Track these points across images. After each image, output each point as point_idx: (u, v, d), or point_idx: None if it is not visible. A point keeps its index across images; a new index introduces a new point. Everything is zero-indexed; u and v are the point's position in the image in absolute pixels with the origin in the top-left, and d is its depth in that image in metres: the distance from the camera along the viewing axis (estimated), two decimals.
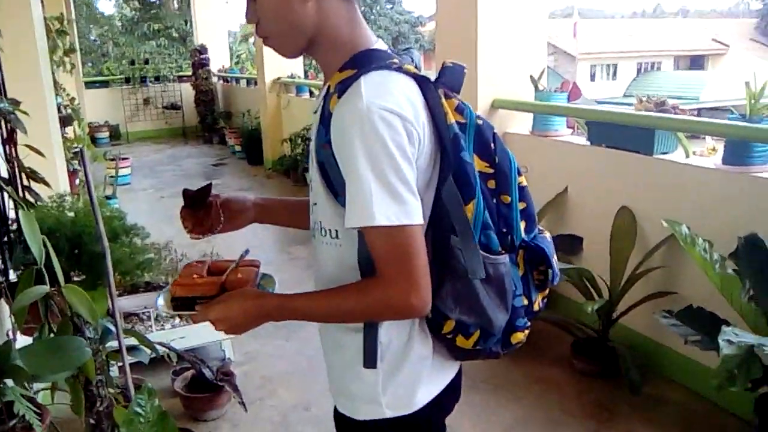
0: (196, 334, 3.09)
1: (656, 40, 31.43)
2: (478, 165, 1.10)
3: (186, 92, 12.33)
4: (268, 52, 8.15)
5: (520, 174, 1.17)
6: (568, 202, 3.52)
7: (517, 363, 3.15)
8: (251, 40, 15.21)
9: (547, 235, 1.23)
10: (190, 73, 12.06)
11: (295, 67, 8.16)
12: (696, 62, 32.45)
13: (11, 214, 1.89)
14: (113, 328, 1.97)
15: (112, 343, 2.04)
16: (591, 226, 3.36)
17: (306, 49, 1.13)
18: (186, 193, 1.32)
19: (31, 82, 2.82)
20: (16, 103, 1.87)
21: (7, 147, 1.96)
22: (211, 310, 1.11)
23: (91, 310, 1.34)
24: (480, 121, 1.13)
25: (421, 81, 1.06)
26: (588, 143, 3.39)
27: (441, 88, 1.10)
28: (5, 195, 1.78)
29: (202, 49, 11.45)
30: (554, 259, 1.19)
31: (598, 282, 3.05)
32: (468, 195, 1.06)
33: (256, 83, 9.10)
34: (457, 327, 1.09)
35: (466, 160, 1.06)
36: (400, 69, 1.05)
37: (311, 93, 7.63)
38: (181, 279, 1.23)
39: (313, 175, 1.12)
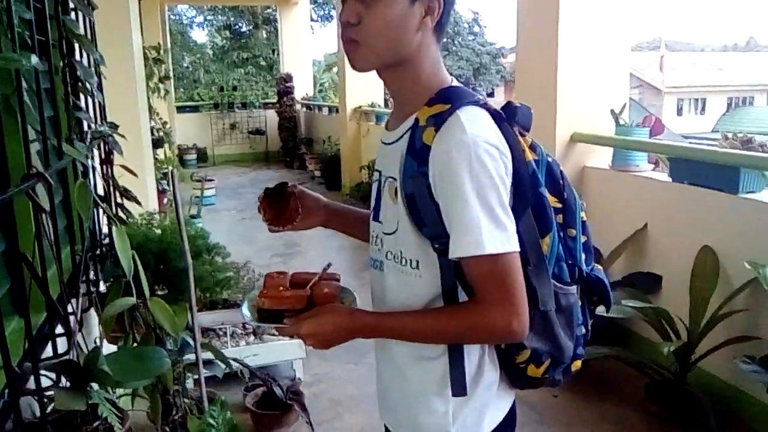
0: (268, 352, 3.17)
1: (748, 74, 30.20)
2: (549, 200, 1.14)
3: (270, 118, 12.76)
4: (351, 82, 8.40)
5: (581, 209, 1.22)
6: (647, 239, 3.42)
7: (590, 401, 3.07)
8: (334, 69, 15.60)
9: (600, 267, 1.27)
10: (275, 100, 12.50)
11: (375, 96, 8.32)
12: None
13: (104, 229, 2.02)
14: (192, 342, 2.06)
15: (190, 356, 2.14)
16: (670, 264, 3.25)
17: (385, 69, 1.14)
18: (266, 190, 1.37)
19: (129, 107, 3.01)
20: (114, 127, 2.01)
21: (104, 167, 2.10)
22: (303, 324, 1.11)
23: (173, 323, 1.42)
24: (550, 159, 1.18)
25: (499, 118, 1.09)
26: (669, 180, 3.31)
27: (515, 126, 1.13)
28: (100, 211, 1.91)
29: (288, 78, 11.85)
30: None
31: (677, 323, 2.95)
32: (545, 228, 1.11)
33: (337, 111, 9.32)
34: (532, 356, 1.13)
35: (545, 195, 1.12)
36: (485, 105, 1.09)
37: None
38: (268, 291, 1.22)
39: (390, 206, 1.15)
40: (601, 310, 1.28)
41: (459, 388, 1.13)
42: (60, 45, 1.67)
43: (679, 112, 29.34)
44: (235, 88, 13.94)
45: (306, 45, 12.94)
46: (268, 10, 20.59)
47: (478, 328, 1.06)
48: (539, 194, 1.11)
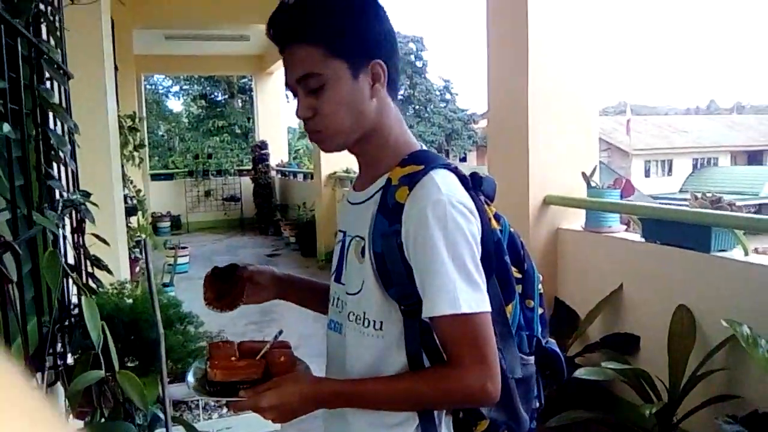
0: (242, 425, 3.06)
1: (712, 136, 31.22)
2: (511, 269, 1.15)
3: (245, 185, 12.78)
4: None
5: (539, 281, 1.23)
6: (623, 300, 3.44)
7: None
8: None
9: (553, 340, 1.26)
10: (250, 167, 12.55)
11: (350, 162, 8.40)
12: (754, 158, 31.99)
13: (74, 299, 1.97)
14: (162, 416, 1.98)
15: (160, 431, 2.06)
16: (647, 324, 3.25)
17: (353, 144, 1.16)
18: (214, 269, 1.33)
19: (102, 175, 2.99)
20: (87, 195, 1.99)
21: (75, 235, 2.07)
22: (263, 397, 1.04)
23: (143, 396, 1.37)
24: (512, 230, 1.20)
25: (467, 184, 1.11)
26: (642, 240, 3.35)
27: (481, 194, 1.15)
28: (70, 281, 1.86)
29: (263, 145, 11.95)
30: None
31: (656, 383, 2.93)
32: (508, 296, 1.12)
33: (312, 177, 9.38)
34: (490, 427, 1.10)
35: (508, 263, 1.13)
36: (455, 170, 1.11)
37: None
38: (219, 361, 1.13)
39: (355, 266, 1.13)
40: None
41: None
42: (33, 114, 1.66)
43: (647, 173, 30.07)
44: (210, 156, 14.00)
45: (281, 113, 13.11)
46: (244, 80, 20.93)
47: (452, 392, 1.03)
48: (504, 262, 1.12)
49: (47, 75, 1.83)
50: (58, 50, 1.91)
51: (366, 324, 1.12)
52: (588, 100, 3.93)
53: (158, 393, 1.98)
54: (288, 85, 1.14)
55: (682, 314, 2.98)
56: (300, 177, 11.09)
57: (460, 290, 0.99)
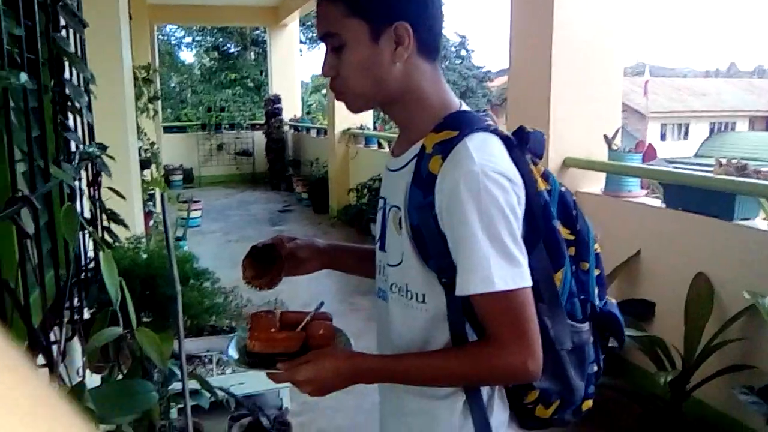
0: (255, 380, 3.08)
1: (730, 100, 30.67)
2: (561, 232, 1.09)
3: (258, 140, 12.73)
4: (340, 104, 8.36)
5: (595, 241, 1.17)
6: (640, 266, 3.40)
7: None
8: (323, 90, 15.63)
9: (614, 300, 1.22)
10: (263, 122, 12.47)
11: (364, 118, 8.31)
12: None
13: (90, 254, 1.95)
14: (177, 371, 1.98)
15: (175, 386, 2.06)
16: (664, 292, 3.23)
17: (384, 106, 1.13)
18: (252, 248, 1.29)
19: (118, 127, 2.95)
20: (103, 148, 1.96)
21: (92, 189, 2.04)
22: (299, 370, 1.03)
23: (161, 354, 1.35)
24: (563, 188, 1.14)
25: (510, 145, 1.05)
26: (663, 206, 3.29)
27: (527, 153, 1.09)
28: (86, 235, 1.84)
29: (276, 99, 11.84)
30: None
31: (671, 351, 2.91)
32: (557, 263, 1.06)
33: (326, 133, 9.31)
34: (541, 397, 1.08)
35: (557, 228, 1.07)
36: (495, 131, 1.04)
37: (380, 144, 7.74)
38: (259, 333, 1.13)
39: (394, 237, 1.10)
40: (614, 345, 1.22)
41: (483, 429, 1.06)
42: (50, 63, 1.61)
43: (663, 137, 29.67)
44: (222, 109, 13.89)
45: (295, 67, 12.95)
46: (257, 32, 20.64)
47: (490, 370, 1.00)
48: (552, 227, 1.06)
49: (63, 23, 1.78)
50: None
51: (409, 296, 1.09)
52: (613, 60, 3.84)
53: (173, 348, 1.97)
54: (318, 39, 1.10)
55: (701, 282, 2.95)
56: (313, 132, 11.01)
57: (495, 266, 0.95)
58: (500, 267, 0.95)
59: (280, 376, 1.06)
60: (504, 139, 1.05)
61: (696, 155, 23.97)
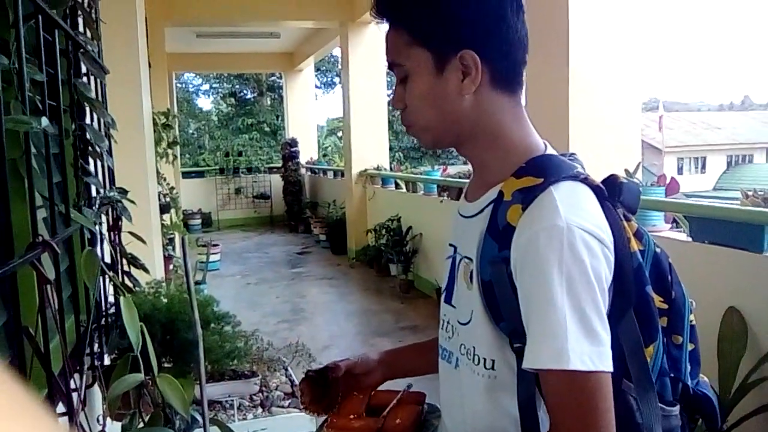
0: (277, 425, 3.03)
1: (746, 133, 30.55)
2: (654, 300, 0.95)
3: (275, 183, 12.84)
4: (356, 145, 8.45)
5: (690, 311, 1.03)
6: None
7: None
8: (339, 134, 15.77)
9: (706, 379, 1.07)
10: (280, 165, 12.59)
11: (381, 159, 8.34)
12: None
13: (110, 299, 1.93)
14: (199, 418, 1.94)
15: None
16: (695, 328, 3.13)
17: (457, 145, 1.02)
18: (308, 373, 1.25)
19: (138, 172, 2.97)
20: (124, 192, 1.95)
21: (112, 233, 2.03)
22: None
23: (183, 401, 1.32)
24: (658, 250, 1.00)
25: (602, 196, 0.93)
26: (690, 239, 3.23)
27: (620, 207, 0.96)
28: (107, 279, 1.82)
29: (292, 142, 11.97)
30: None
31: None
32: (650, 336, 0.93)
33: (342, 175, 9.34)
34: None
35: (650, 296, 0.93)
36: (586, 180, 0.92)
37: (397, 185, 7.75)
38: (338, 420, 1.12)
39: (465, 291, 0.98)
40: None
41: None
42: (71, 108, 1.62)
43: (680, 171, 29.51)
44: (240, 154, 14.08)
45: (310, 110, 13.15)
46: (272, 78, 21.01)
47: None
48: (645, 294, 0.92)
49: (84, 69, 1.79)
50: (95, 43, 1.88)
51: (476, 361, 0.96)
52: (630, 95, 3.82)
53: (194, 394, 1.94)
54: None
55: (733, 317, 2.86)
56: (330, 174, 11.07)
57: (573, 340, 0.80)
58: (578, 342, 0.80)
59: None
60: (595, 189, 0.92)
61: (715, 188, 23.78)
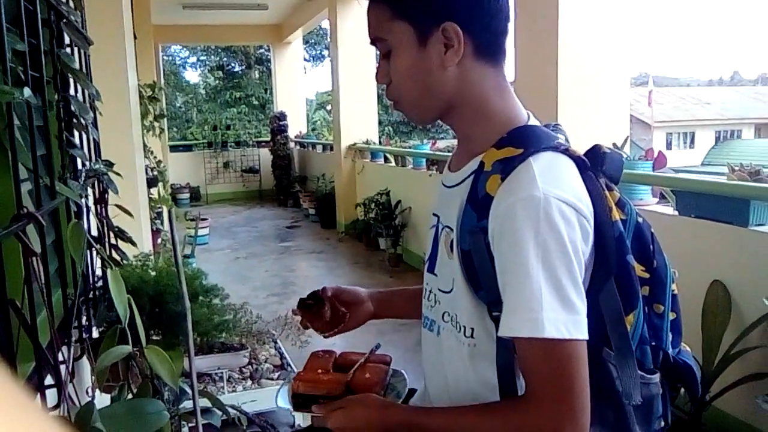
0: (266, 397, 3.05)
1: (735, 108, 30.64)
2: (636, 269, 0.97)
3: (264, 157, 12.77)
4: (345, 119, 8.41)
5: (672, 280, 1.05)
6: None
7: None
8: (328, 107, 15.68)
9: (688, 348, 1.09)
10: (268, 139, 12.53)
11: (370, 133, 8.31)
12: None
13: (98, 272, 1.93)
14: (188, 390, 1.95)
15: (186, 404, 2.03)
16: (680, 301, 3.16)
17: (442, 116, 1.03)
18: (300, 301, 1.27)
19: (124, 145, 2.95)
20: (110, 165, 1.94)
21: (99, 206, 2.02)
22: (331, 416, 0.98)
23: (172, 372, 1.32)
24: (640, 219, 1.01)
25: (583, 167, 0.94)
26: (676, 213, 3.25)
27: (602, 177, 0.97)
28: (94, 253, 1.82)
29: (281, 116, 11.88)
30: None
31: None
32: (630, 304, 0.94)
33: (331, 149, 9.31)
34: None
35: (631, 264, 0.94)
36: (566, 151, 0.93)
37: (386, 159, 7.73)
38: (305, 373, 1.14)
39: (446, 260, 1.00)
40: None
41: None
42: (54, 79, 1.60)
43: (669, 145, 29.60)
44: (228, 127, 13.96)
45: (299, 84, 13.03)
46: (261, 51, 20.78)
47: (527, 431, 0.87)
48: (625, 262, 0.93)
49: (67, 40, 1.77)
50: (78, 14, 1.85)
51: (458, 329, 0.98)
52: (619, 69, 3.82)
53: (183, 366, 1.94)
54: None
55: (717, 290, 2.90)
56: (319, 148, 11.02)
57: (548, 309, 0.81)
58: (553, 310, 0.82)
59: (316, 420, 1.03)
60: (576, 160, 0.94)
61: (703, 163, 23.88)
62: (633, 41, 3.91)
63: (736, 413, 2.87)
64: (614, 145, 3.63)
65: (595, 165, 0.97)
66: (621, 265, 0.93)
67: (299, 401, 1.12)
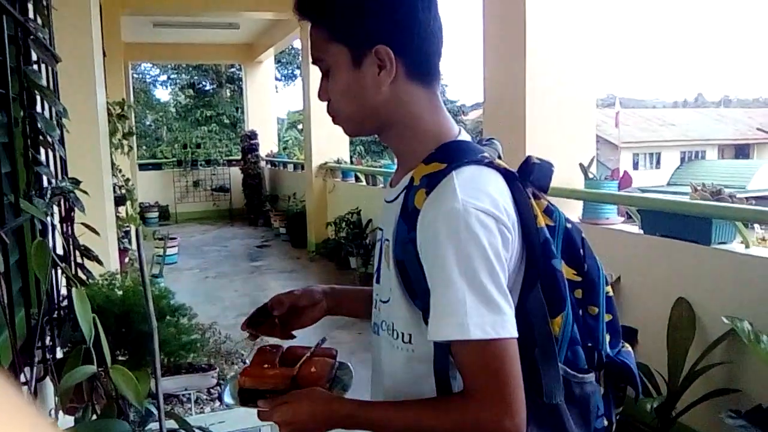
0: (235, 418, 3.01)
1: (699, 129, 31.38)
2: (565, 272, 1.01)
3: (234, 175, 12.69)
4: (316, 138, 8.41)
5: (607, 283, 1.09)
6: (620, 293, 3.40)
7: None
8: (299, 126, 15.67)
9: (629, 348, 1.13)
10: (239, 158, 12.46)
11: (341, 152, 8.33)
12: (741, 151, 32.22)
13: (63, 291, 1.90)
14: (155, 411, 1.92)
15: (152, 426, 2.00)
16: (646, 317, 3.22)
17: (379, 134, 1.08)
18: (246, 320, 1.26)
19: (91, 163, 2.91)
20: (76, 183, 1.92)
21: (64, 224, 1.99)
22: (276, 411, 1.00)
23: (137, 392, 1.31)
24: (569, 225, 1.06)
25: (510, 177, 0.99)
26: (641, 232, 3.31)
27: (529, 186, 1.02)
28: (59, 272, 1.79)
29: (252, 135, 11.85)
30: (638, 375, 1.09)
31: (656, 377, 2.90)
32: (557, 308, 0.98)
33: (303, 168, 9.29)
34: None
35: (557, 269, 0.98)
36: (491, 164, 0.98)
37: (357, 178, 7.75)
38: (251, 368, 1.13)
39: (384, 271, 1.05)
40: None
41: None
42: (21, 96, 1.58)
43: (636, 166, 30.13)
44: (198, 146, 13.87)
45: (270, 103, 13.01)
46: (232, 69, 20.75)
47: (466, 427, 0.91)
48: (551, 267, 0.97)
49: (34, 57, 1.75)
50: (46, 30, 1.83)
51: (395, 336, 1.02)
52: (586, 91, 3.89)
53: (150, 387, 1.92)
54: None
55: (682, 307, 2.95)
56: (290, 167, 11.00)
57: (472, 312, 0.86)
58: (477, 313, 0.87)
59: (261, 415, 1.02)
60: (503, 172, 0.98)
61: (669, 183, 24.38)
62: (600, 63, 3.99)
63: (701, 429, 2.91)
64: (581, 165, 3.70)
65: (523, 175, 1.02)
66: (546, 269, 0.97)
67: (246, 396, 1.11)
